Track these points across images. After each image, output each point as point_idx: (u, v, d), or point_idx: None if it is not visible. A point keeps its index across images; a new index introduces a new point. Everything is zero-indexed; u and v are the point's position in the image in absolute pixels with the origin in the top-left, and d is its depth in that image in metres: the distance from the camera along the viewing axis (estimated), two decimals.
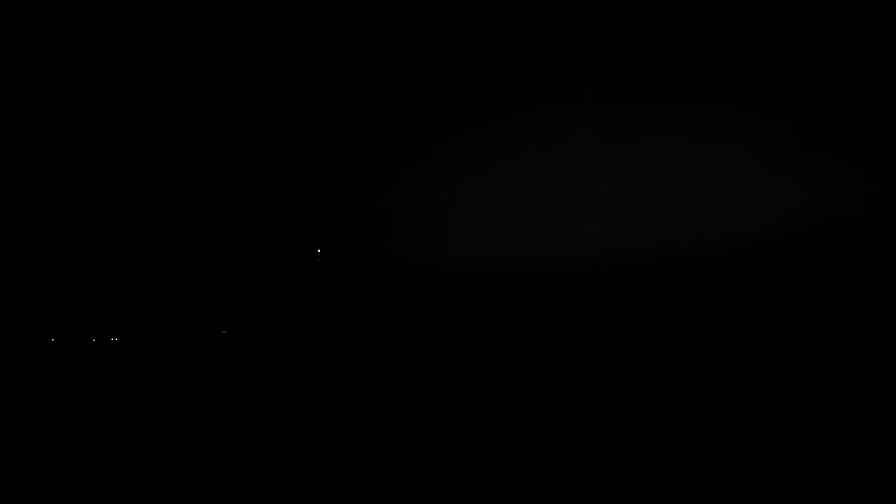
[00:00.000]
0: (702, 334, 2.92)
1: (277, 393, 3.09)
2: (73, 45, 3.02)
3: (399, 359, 3.00)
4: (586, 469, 2.76)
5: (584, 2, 2.71)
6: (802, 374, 2.85)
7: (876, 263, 2.74)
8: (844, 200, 2.72)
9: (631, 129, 2.85)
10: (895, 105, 2.68)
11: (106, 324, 3.16)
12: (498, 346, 2.98)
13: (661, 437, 2.85)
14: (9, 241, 3.00)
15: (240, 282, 3.13)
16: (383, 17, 2.55)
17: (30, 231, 3.06)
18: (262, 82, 2.86)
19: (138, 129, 2.93)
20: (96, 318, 3.15)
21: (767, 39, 2.70)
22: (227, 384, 3.09)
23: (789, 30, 2.68)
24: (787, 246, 2.81)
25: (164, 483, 2.90)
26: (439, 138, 2.80)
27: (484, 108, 2.83)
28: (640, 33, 2.73)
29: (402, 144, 2.80)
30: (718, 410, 2.86)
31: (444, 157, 2.82)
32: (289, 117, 2.91)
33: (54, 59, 3.01)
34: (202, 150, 2.99)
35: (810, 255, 2.79)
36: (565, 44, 2.77)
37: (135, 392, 3.09)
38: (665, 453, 2.79)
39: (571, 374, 2.96)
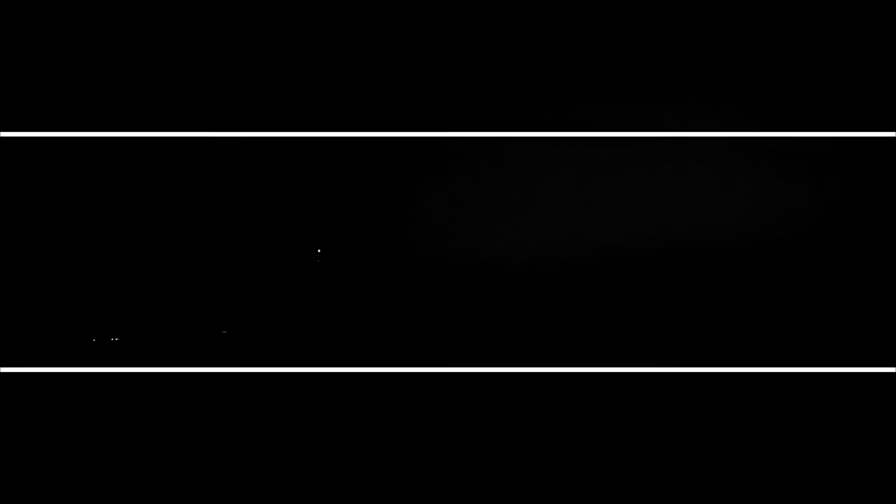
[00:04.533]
0: (692, 330, 2.98)
1: (287, 394, 3.09)
2: (72, 42, 2.98)
3: (409, 356, 3.02)
4: (588, 469, 2.80)
5: (572, 12, 2.76)
6: (787, 374, 2.92)
7: (849, 262, 2.83)
8: (820, 202, 2.81)
9: (624, 134, 2.90)
10: (868, 112, 2.78)
11: (106, 324, 3.14)
12: (505, 343, 3.01)
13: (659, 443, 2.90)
14: (8, 242, 2.97)
15: (250, 280, 3.12)
16: (410, 17, 2.56)
17: (29, 231, 3.03)
18: (282, 77, 2.86)
19: (150, 121, 2.91)
20: (96, 318, 3.13)
21: (750, 47, 2.77)
22: (231, 385, 3.09)
23: (770, 36, 2.75)
24: (767, 245, 2.89)
25: (163, 484, 2.90)
26: (457, 137, 2.83)
27: (499, 110, 2.86)
28: (632, 42, 2.78)
29: (419, 144, 2.82)
30: (713, 411, 2.92)
31: (460, 155, 2.85)
32: (308, 110, 2.91)
33: (53, 57, 2.98)
34: (210, 148, 2.98)
35: (788, 256, 2.87)
36: (563, 52, 2.81)
37: (135, 392, 3.07)
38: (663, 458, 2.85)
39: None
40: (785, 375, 2.90)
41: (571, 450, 2.87)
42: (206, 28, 2.80)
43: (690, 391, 2.92)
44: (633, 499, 2.71)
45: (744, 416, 2.87)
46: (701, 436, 2.89)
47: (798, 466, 2.78)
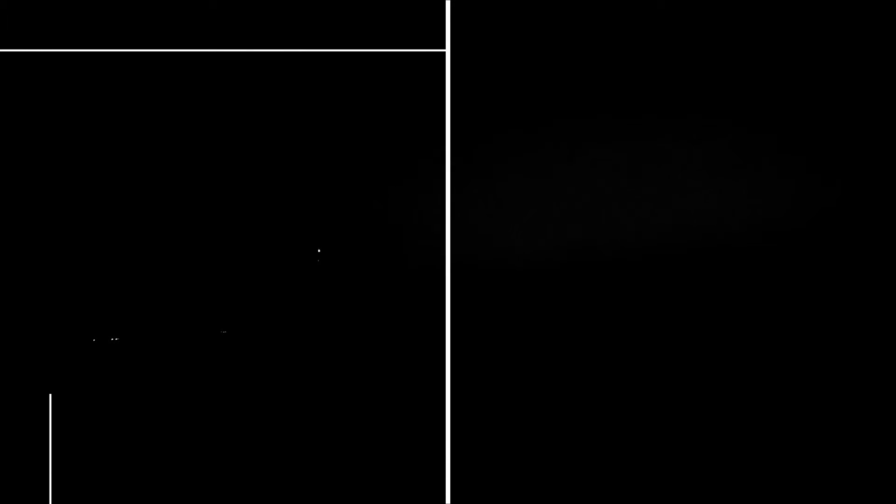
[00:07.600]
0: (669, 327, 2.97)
1: (296, 394, 3.07)
2: (71, 41, 2.99)
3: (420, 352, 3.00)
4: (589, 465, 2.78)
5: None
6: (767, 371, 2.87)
7: (805, 261, 2.87)
8: (776, 205, 2.88)
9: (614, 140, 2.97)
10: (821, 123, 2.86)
11: (106, 324, 3.14)
12: (510, 340, 2.99)
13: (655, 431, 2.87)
14: (8, 241, 2.98)
15: (258, 279, 3.11)
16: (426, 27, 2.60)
17: (28, 231, 3.03)
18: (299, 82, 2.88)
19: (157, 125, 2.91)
20: (96, 317, 3.13)
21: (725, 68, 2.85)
22: (241, 386, 3.07)
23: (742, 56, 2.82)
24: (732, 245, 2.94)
25: (163, 483, 2.88)
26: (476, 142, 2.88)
27: (512, 113, 2.91)
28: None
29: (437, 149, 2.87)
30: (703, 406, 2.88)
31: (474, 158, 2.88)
32: (326, 109, 2.92)
33: (52, 56, 2.99)
34: (222, 148, 2.98)
35: (752, 254, 2.92)
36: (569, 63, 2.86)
37: (134, 392, 3.06)
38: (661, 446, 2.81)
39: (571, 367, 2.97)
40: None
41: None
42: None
43: (691, 392, 2.89)
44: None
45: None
46: (703, 438, 2.86)
47: (799, 468, 2.73)
